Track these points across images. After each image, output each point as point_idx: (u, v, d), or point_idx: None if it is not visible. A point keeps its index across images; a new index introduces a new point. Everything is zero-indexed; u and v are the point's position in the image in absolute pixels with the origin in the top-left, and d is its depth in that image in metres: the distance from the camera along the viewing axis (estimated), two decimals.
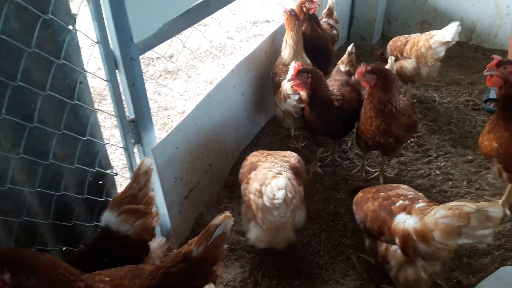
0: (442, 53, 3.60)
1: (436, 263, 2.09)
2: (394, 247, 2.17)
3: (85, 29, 2.09)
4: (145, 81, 2.34)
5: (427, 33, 3.72)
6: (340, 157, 3.58)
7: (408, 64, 3.75)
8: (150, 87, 4.56)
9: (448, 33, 3.50)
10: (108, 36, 2.04)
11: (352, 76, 3.23)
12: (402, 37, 3.96)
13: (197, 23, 2.66)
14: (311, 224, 2.91)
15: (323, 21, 4.08)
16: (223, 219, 1.77)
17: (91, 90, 2.23)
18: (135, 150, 2.48)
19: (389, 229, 2.14)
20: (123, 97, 2.26)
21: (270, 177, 2.22)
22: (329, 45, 3.93)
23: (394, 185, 2.43)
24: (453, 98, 4.26)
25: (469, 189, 3.14)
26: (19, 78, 1.76)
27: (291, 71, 2.94)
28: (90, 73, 2.13)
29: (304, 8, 3.70)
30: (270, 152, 2.71)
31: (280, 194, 2.11)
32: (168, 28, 2.34)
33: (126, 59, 2.13)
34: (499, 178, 2.89)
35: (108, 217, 2.04)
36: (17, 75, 1.76)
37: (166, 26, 2.29)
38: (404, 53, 3.83)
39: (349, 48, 3.39)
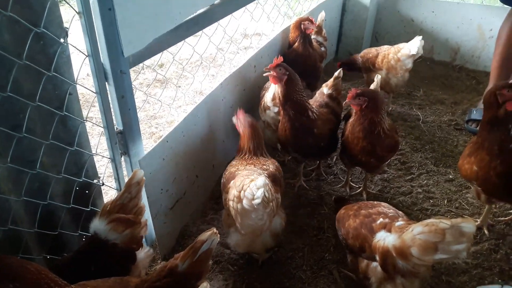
0: (410, 65, 3.95)
1: (415, 280, 2.13)
2: (374, 263, 2.21)
3: (75, 39, 2.12)
4: (134, 90, 2.36)
5: (395, 46, 4.04)
6: (325, 172, 3.63)
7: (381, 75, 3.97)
8: (139, 95, 4.58)
9: (414, 47, 3.83)
10: (99, 49, 2.06)
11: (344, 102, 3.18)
12: (373, 49, 4.27)
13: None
14: (295, 238, 2.95)
15: (312, 38, 4.16)
16: (210, 236, 1.77)
17: (80, 97, 2.25)
18: (122, 160, 2.50)
19: (370, 246, 2.18)
20: (111, 109, 2.28)
21: (248, 183, 2.24)
22: (317, 63, 4.04)
23: (375, 202, 2.47)
24: (436, 117, 4.36)
25: (449, 207, 3.21)
26: (9, 88, 1.77)
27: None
28: (80, 85, 2.15)
29: (302, 26, 3.83)
30: (250, 160, 2.70)
31: (259, 193, 2.12)
32: (159, 43, 2.38)
33: (116, 72, 2.15)
34: (477, 199, 2.95)
35: (97, 225, 2.05)
36: (7, 86, 1.77)
37: (157, 40, 2.32)
38: (376, 65, 4.13)
39: (336, 73, 3.32)
